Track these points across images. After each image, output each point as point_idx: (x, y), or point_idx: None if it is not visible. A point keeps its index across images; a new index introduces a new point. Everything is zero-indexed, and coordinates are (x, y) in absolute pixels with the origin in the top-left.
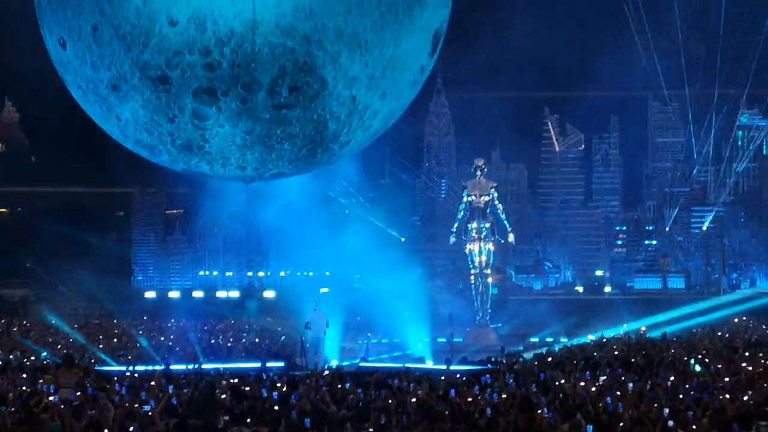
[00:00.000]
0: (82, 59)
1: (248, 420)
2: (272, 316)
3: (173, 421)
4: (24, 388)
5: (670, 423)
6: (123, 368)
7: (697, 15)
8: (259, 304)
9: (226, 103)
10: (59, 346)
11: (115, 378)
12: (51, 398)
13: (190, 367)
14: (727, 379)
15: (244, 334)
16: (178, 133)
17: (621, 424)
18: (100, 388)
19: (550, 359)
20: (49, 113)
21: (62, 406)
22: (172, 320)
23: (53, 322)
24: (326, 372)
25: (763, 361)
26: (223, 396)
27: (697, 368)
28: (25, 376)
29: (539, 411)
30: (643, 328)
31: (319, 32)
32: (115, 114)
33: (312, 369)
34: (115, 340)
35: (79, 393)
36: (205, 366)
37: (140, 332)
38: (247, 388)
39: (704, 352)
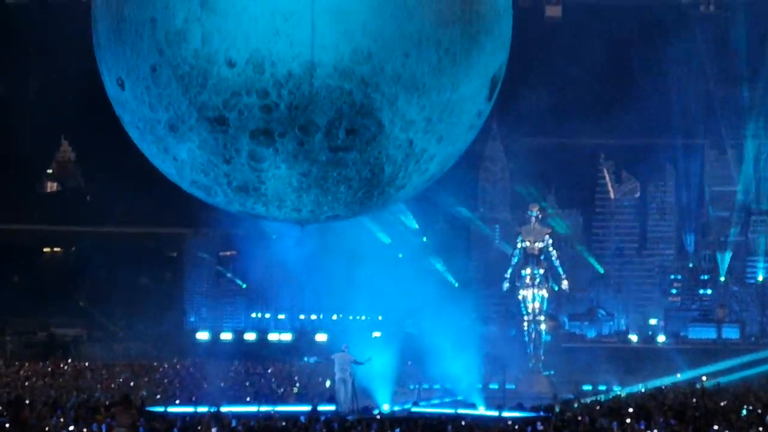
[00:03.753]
0: (140, 99)
1: None
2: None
3: None
4: (73, 428)
5: None
6: (175, 409)
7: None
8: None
9: (283, 145)
10: (112, 386)
11: (167, 419)
12: None
13: (241, 409)
14: None
15: (296, 378)
16: (234, 174)
17: None
18: (152, 428)
19: (602, 408)
20: (104, 153)
21: None
22: (224, 362)
23: (106, 362)
24: (378, 416)
25: None
26: None
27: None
28: (76, 415)
29: None
30: (704, 378)
31: (376, 75)
32: (171, 154)
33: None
34: (167, 380)
35: None
36: (257, 408)
37: (192, 373)
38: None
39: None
